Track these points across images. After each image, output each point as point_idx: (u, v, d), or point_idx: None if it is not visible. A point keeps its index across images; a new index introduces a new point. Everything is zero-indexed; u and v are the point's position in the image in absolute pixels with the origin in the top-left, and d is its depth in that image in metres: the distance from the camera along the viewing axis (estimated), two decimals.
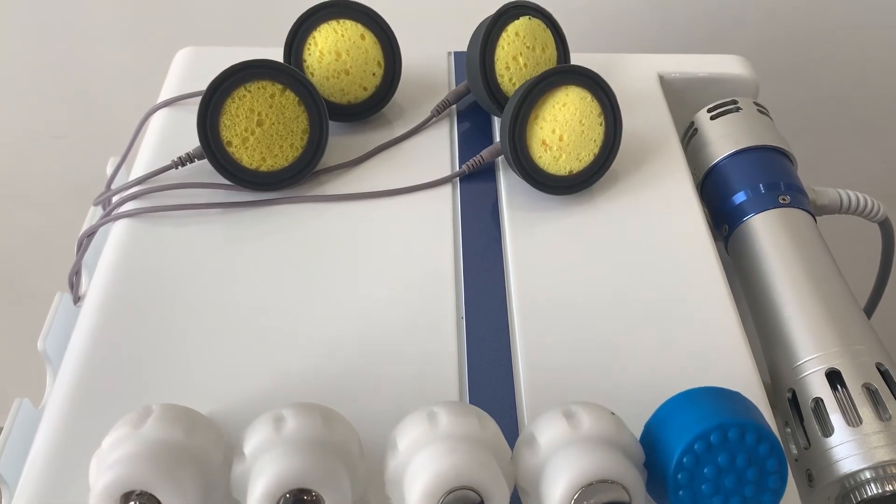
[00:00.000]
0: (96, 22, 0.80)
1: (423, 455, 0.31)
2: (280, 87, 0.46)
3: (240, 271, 0.44)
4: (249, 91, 0.45)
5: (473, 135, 0.53)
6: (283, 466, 0.30)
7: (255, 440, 0.31)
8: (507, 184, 0.50)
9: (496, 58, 0.50)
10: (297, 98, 0.47)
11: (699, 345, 0.41)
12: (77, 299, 0.53)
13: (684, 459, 0.32)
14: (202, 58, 0.58)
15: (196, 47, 0.58)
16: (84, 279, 0.53)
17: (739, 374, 0.41)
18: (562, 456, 0.32)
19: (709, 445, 0.32)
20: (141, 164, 0.50)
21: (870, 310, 0.62)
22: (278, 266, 0.44)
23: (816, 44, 0.84)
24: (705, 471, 0.32)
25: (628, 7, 0.78)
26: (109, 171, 0.58)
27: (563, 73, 0.46)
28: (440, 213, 0.48)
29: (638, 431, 0.34)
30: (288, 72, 0.46)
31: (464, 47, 0.56)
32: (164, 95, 0.56)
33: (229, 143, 0.45)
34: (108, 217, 0.46)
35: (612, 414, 0.33)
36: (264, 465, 0.30)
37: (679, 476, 0.32)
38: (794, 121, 0.91)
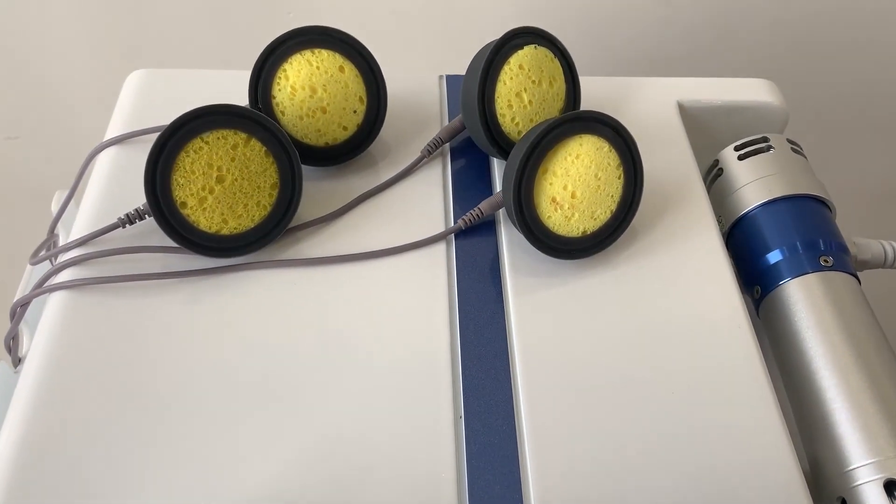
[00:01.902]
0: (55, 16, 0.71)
1: None
2: (244, 136, 0.39)
3: (197, 353, 0.37)
4: (207, 142, 0.38)
5: (469, 178, 0.46)
6: None
7: None
8: (510, 240, 0.43)
9: (497, 95, 0.43)
10: (265, 148, 0.40)
11: (736, 446, 0.35)
12: (17, 361, 0.46)
13: None
14: (156, 82, 0.50)
15: (150, 70, 0.51)
16: (25, 338, 0.46)
17: (782, 481, 0.35)
18: None
19: None
20: (85, 215, 0.43)
21: None
22: (241, 348, 0.38)
23: (829, 36, 0.78)
24: None
25: (632, 12, 0.71)
26: (54, 208, 0.51)
27: (577, 122, 0.39)
28: (433, 280, 0.41)
29: None
30: (252, 117, 0.39)
31: (457, 68, 0.49)
32: (113, 123, 0.48)
33: (183, 204, 0.38)
34: (42, 289, 0.39)
35: None
36: None
37: None
38: (806, 117, 0.85)
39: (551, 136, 0.39)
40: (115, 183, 0.45)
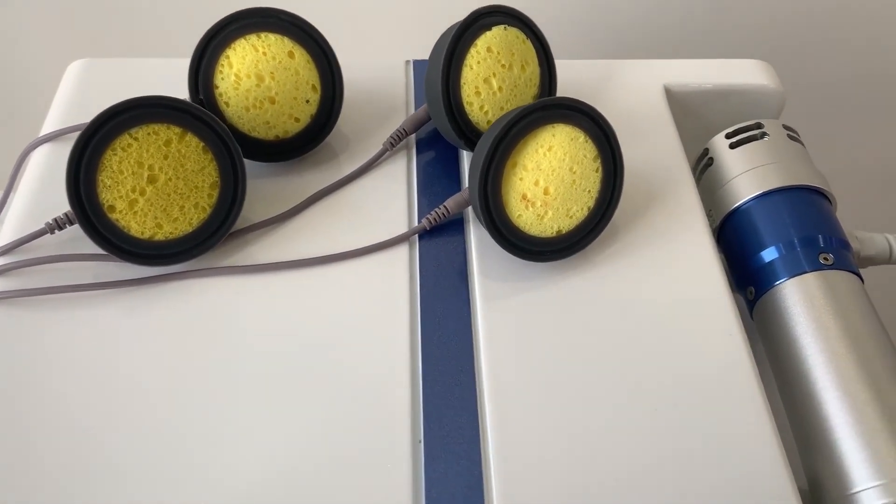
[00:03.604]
0: None
1: None
2: (178, 130, 0.35)
3: (132, 369, 0.34)
4: (136, 139, 0.34)
5: (436, 174, 0.42)
6: None
7: None
8: (479, 241, 0.39)
9: (463, 81, 0.39)
10: (202, 143, 0.36)
11: (727, 468, 0.32)
12: None
13: None
14: (99, 72, 0.46)
15: (91, 59, 0.47)
16: None
17: (775, 497, 0.31)
18: None
19: None
20: (13, 220, 0.39)
21: None
22: (179, 364, 0.34)
23: (829, 21, 0.74)
24: None
25: None
26: None
27: (548, 110, 0.36)
28: (393, 287, 0.37)
29: None
30: (187, 110, 0.35)
31: (425, 53, 0.45)
32: (50, 118, 0.44)
33: (112, 207, 0.35)
34: None
35: None
36: None
37: None
38: (805, 100, 0.81)
39: (520, 126, 0.35)
40: (48, 184, 0.41)
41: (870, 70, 0.76)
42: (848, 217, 0.43)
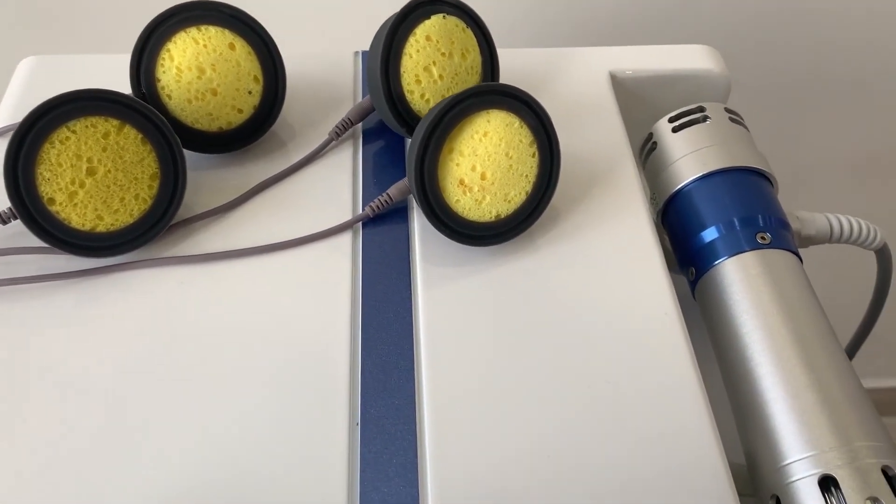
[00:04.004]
0: None
1: None
2: (116, 122, 0.35)
3: (77, 360, 0.34)
4: (74, 132, 0.35)
5: (383, 163, 0.43)
6: None
7: None
8: (422, 228, 0.40)
9: (403, 69, 0.40)
10: (141, 135, 0.36)
11: (661, 450, 0.32)
12: None
13: None
14: (50, 69, 0.47)
15: (41, 56, 0.47)
16: None
17: (706, 476, 0.32)
18: None
19: None
20: None
21: (859, 340, 0.53)
22: (123, 353, 0.34)
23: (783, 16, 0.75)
24: None
25: None
26: None
27: (482, 96, 0.36)
28: (336, 272, 0.38)
29: None
30: (124, 102, 0.35)
31: None
32: (1, 114, 0.45)
33: (51, 200, 0.35)
34: None
35: None
36: None
37: None
38: (761, 92, 0.82)
39: (455, 112, 0.36)
40: None
41: (824, 55, 0.77)
42: (811, 202, 0.44)
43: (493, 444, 0.32)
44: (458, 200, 0.37)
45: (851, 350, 0.54)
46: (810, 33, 0.77)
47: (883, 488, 0.31)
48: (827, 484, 0.32)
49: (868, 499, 0.31)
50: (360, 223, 0.40)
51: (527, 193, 0.38)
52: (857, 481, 0.32)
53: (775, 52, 0.77)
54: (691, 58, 0.49)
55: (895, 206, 0.97)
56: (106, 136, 0.35)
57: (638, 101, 0.49)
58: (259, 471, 0.31)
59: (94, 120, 0.35)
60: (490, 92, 0.36)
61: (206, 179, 0.41)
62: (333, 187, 0.41)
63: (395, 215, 0.40)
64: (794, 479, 0.33)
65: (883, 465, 0.32)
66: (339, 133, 0.43)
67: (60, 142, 0.34)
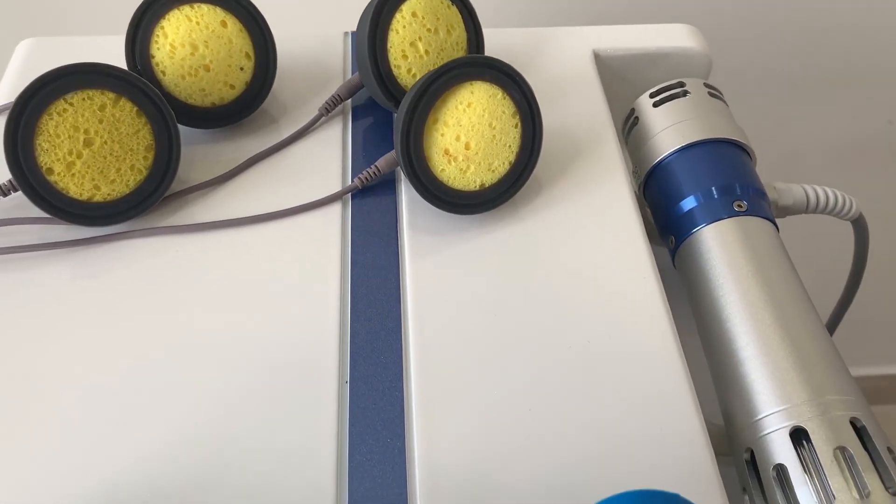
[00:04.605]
0: None
1: None
2: (112, 95, 0.37)
3: (77, 324, 0.35)
4: (71, 104, 0.36)
5: (372, 138, 0.44)
6: None
7: None
8: (410, 199, 0.41)
9: (389, 44, 0.41)
10: (136, 107, 0.37)
11: (639, 406, 0.34)
12: None
13: None
14: (48, 51, 0.48)
15: (41, 38, 0.48)
16: None
17: (683, 433, 0.33)
18: None
19: None
20: None
21: (839, 313, 0.55)
22: (117, 320, 0.36)
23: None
24: None
25: None
26: None
27: (465, 68, 0.37)
28: (326, 240, 0.39)
29: None
30: (120, 76, 0.37)
31: None
32: (0, 94, 0.46)
33: (50, 170, 0.36)
34: None
35: None
36: None
37: None
38: (749, 87, 0.83)
39: (439, 84, 0.37)
40: None
41: (809, 41, 0.78)
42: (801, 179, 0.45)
43: (476, 400, 0.33)
44: (443, 170, 0.38)
45: (833, 322, 0.56)
46: (795, 18, 0.78)
47: (851, 438, 0.32)
48: (798, 436, 0.33)
49: (836, 448, 0.32)
50: (350, 194, 0.41)
51: (510, 163, 0.39)
52: (827, 432, 0.33)
53: (761, 38, 0.79)
54: (673, 37, 0.50)
55: (879, 193, 0.98)
56: (102, 108, 0.36)
57: (621, 80, 0.51)
58: (251, 425, 0.32)
59: (90, 93, 0.36)
60: (474, 64, 0.37)
61: (200, 154, 0.42)
62: (323, 161, 0.43)
63: (383, 187, 0.42)
64: (767, 432, 0.34)
65: (851, 417, 0.33)
66: (329, 109, 0.44)
67: (58, 114, 0.36)
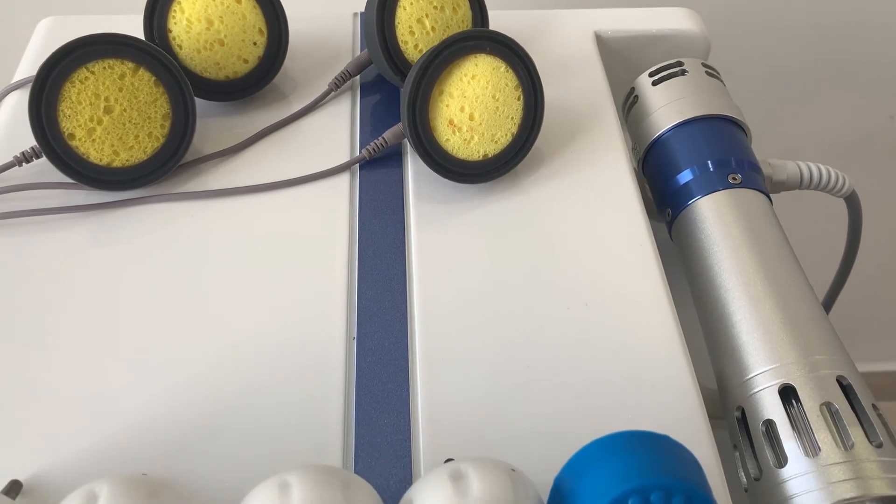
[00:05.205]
0: None
1: None
2: (131, 65, 0.38)
3: (98, 283, 0.37)
4: (93, 72, 0.38)
5: (379, 112, 0.46)
6: None
7: None
8: (416, 170, 0.43)
9: (397, 21, 0.42)
10: (154, 77, 0.39)
11: (633, 363, 0.35)
12: None
13: None
14: (67, 29, 0.50)
15: (60, 17, 0.50)
16: None
17: (678, 393, 0.34)
18: None
19: None
20: None
21: (835, 292, 0.56)
22: (135, 281, 0.37)
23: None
24: None
25: None
26: None
27: (470, 40, 0.39)
28: (335, 207, 0.40)
29: (555, 460, 0.28)
30: (139, 46, 0.38)
31: None
32: (20, 70, 0.48)
33: (72, 135, 0.38)
34: None
35: (512, 471, 0.27)
36: None
37: None
38: (751, 83, 0.85)
39: (445, 56, 0.39)
40: (19, 125, 0.44)
41: (811, 37, 0.80)
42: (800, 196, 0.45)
43: (477, 356, 0.35)
44: (447, 140, 0.40)
45: (829, 300, 0.57)
46: (796, 12, 0.79)
47: (837, 395, 0.34)
48: (787, 394, 0.35)
49: (823, 404, 0.34)
50: (358, 165, 0.43)
51: (512, 135, 0.41)
52: (814, 389, 0.34)
53: (761, 33, 0.80)
54: (672, 19, 0.52)
55: (880, 189, 0.99)
56: (122, 77, 0.38)
57: (622, 62, 0.52)
58: (265, 377, 0.34)
59: (111, 62, 0.38)
60: (479, 37, 0.39)
61: (214, 125, 0.44)
62: (332, 133, 0.44)
63: (390, 158, 0.43)
64: (757, 390, 0.35)
65: (838, 375, 0.35)
66: (339, 84, 0.46)
67: (80, 81, 0.37)
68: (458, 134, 0.40)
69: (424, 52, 0.43)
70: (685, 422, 0.34)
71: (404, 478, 0.31)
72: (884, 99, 0.92)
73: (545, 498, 0.28)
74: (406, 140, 0.43)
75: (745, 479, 0.35)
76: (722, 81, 0.48)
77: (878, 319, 1.20)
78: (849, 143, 0.95)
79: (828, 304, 0.57)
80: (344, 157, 0.43)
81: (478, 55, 0.39)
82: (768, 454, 0.34)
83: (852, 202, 0.49)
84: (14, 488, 0.30)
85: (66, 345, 0.35)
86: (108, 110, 0.38)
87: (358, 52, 0.49)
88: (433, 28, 0.43)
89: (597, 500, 0.26)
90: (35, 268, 0.38)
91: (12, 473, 0.30)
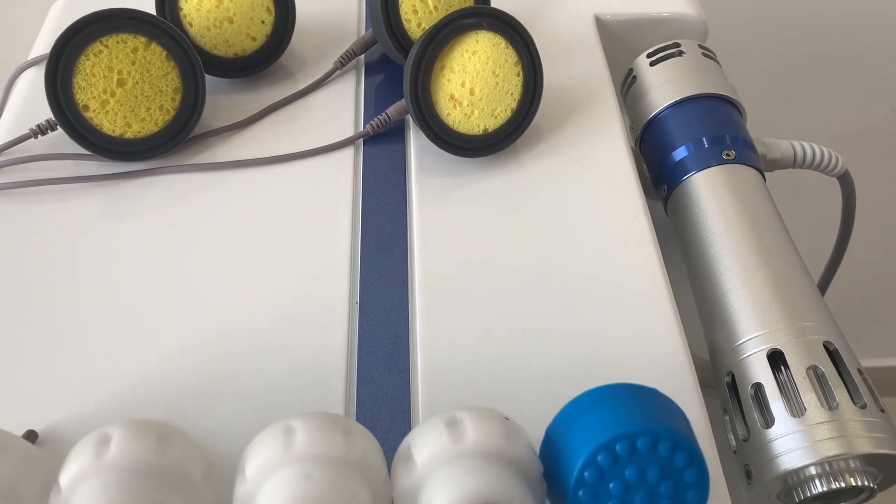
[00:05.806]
0: None
1: (270, 485, 0.26)
2: (143, 39, 0.40)
3: (103, 253, 0.38)
4: (107, 46, 0.39)
5: (383, 90, 0.47)
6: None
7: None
8: (418, 145, 0.44)
9: (401, 0, 0.44)
10: (165, 52, 0.40)
11: (626, 326, 0.36)
12: None
13: (585, 474, 0.27)
14: (79, 11, 0.51)
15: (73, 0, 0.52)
16: None
17: (669, 355, 0.36)
18: (440, 475, 0.26)
19: (614, 457, 0.27)
20: (3, 131, 0.44)
21: (830, 272, 0.57)
22: (146, 248, 0.39)
23: None
24: (611, 486, 0.27)
25: None
26: None
27: (471, 16, 0.40)
28: (339, 180, 0.42)
29: (547, 416, 0.29)
30: (151, 21, 0.40)
31: None
32: (35, 50, 0.49)
33: (86, 107, 0.39)
34: None
35: (506, 420, 0.28)
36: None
37: (580, 493, 0.27)
38: (751, 75, 0.86)
39: (446, 32, 0.40)
40: (34, 101, 0.46)
41: (815, 38, 0.81)
42: (795, 176, 0.46)
43: (475, 320, 0.36)
44: (448, 114, 0.41)
45: (825, 281, 0.58)
46: (797, 4, 0.80)
47: (824, 359, 0.35)
48: (776, 360, 0.36)
49: (809, 367, 0.35)
50: (362, 140, 0.44)
51: (512, 110, 0.42)
52: (801, 353, 0.35)
53: (761, 26, 0.81)
54: (671, 3, 0.53)
55: (881, 183, 1.00)
56: (135, 51, 0.39)
57: (621, 44, 0.53)
58: (272, 339, 0.35)
59: (124, 36, 0.39)
60: (480, 14, 0.40)
61: (222, 101, 0.45)
62: (337, 109, 0.45)
63: (393, 134, 0.44)
64: (746, 355, 0.36)
65: (825, 341, 0.36)
66: (344, 63, 0.47)
67: (94, 54, 0.39)
68: (458, 108, 0.41)
69: None
70: (676, 385, 0.35)
71: (404, 431, 0.32)
72: (885, 91, 0.93)
73: (538, 449, 0.29)
74: (409, 116, 0.45)
75: (734, 442, 0.36)
76: (718, 63, 0.49)
77: (878, 320, 1.21)
78: (849, 136, 0.96)
79: (822, 286, 0.58)
80: (348, 133, 0.44)
81: (479, 31, 0.41)
82: (756, 416, 0.35)
83: (846, 182, 0.50)
84: (30, 438, 0.31)
85: (81, 305, 0.36)
86: (121, 83, 0.39)
87: (363, 32, 0.50)
88: (436, 7, 0.44)
89: (586, 446, 0.27)
90: (50, 233, 0.39)
91: (28, 424, 0.32)
